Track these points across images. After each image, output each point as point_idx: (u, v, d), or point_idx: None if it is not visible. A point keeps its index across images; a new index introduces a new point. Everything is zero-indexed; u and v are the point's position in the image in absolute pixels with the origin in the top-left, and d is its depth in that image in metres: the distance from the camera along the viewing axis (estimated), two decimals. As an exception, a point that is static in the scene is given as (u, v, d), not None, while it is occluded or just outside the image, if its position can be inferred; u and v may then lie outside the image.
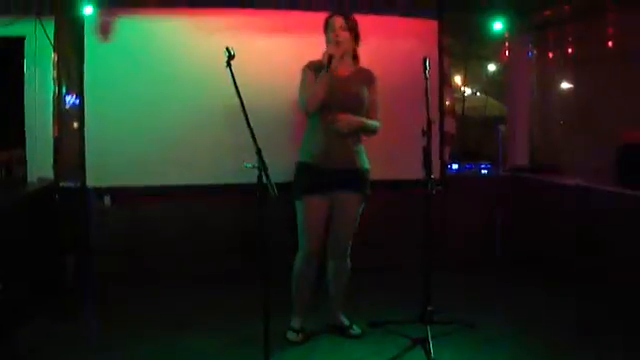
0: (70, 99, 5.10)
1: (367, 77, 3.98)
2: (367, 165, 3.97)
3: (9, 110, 4.97)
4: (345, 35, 3.84)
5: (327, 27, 3.89)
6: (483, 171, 5.70)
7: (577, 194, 5.02)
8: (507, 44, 6.05)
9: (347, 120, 3.79)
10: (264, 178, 3.05)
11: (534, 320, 4.28)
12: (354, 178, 3.92)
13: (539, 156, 5.96)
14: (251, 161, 3.11)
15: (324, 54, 3.78)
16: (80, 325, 4.19)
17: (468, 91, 7.01)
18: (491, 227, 5.40)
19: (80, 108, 4.81)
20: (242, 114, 3.13)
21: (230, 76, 3.18)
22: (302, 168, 3.90)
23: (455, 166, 5.68)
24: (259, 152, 3.06)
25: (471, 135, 6.39)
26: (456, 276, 4.97)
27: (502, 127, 6.17)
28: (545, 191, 5.42)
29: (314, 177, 3.83)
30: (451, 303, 4.34)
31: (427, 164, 3.83)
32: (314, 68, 3.84)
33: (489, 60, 6.51)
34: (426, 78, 3.92)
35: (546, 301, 4.68)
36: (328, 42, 3.87)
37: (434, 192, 3.81)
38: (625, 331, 4.00)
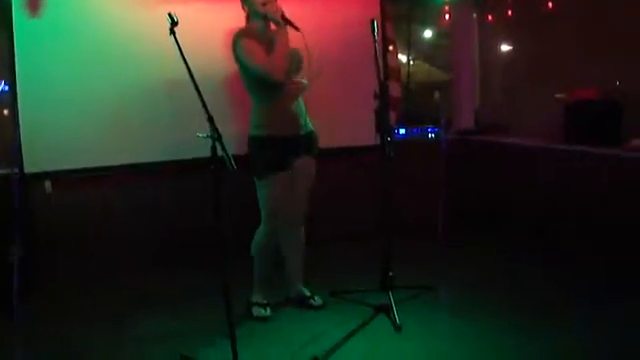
0: (0, 86, 4.81)
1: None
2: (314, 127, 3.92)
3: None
4: None
5: None
6: (430, 135, 5.67)
7: (520, 153, 5.08)
8: (448, 8, 6.02)
9: (298, 83, 3.73)
10: (219, 148, 2.92)
11: (491, 281, 4.32)
12: (310, 141, 3.86)
13: (484, 118, 5.98)
14: (200, 131, 2.98)
15: (270, 13, 3.61)
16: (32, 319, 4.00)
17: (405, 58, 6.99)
18: (441, 192, 5.38)
19: (12, 92, 4.54)
20: (190, 83, 2.98)
21: (175, 43, 3.01)
22: (263, 142, 3.70)
23: (402, 131, 5.65)
24: (211, 119, 2.92)
25: (414, 101, 6.37)
26: (410, 243, 4.93)
27: (436, 93, 6.19)
28: (491, 151, 5.46)
29: (279, 150, 3.69)
30: (408, 269, 4.28)
31: (382, 127, 3.76)
32: (251, 36, 3.64)
33: (430, 25, 6.47)
34: (375, 40, 3.84)
35: (499, 262, 4.73)
36: (255, 5, 3.64)
37: (391, 154, 3.74)
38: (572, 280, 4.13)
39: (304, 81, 3.76)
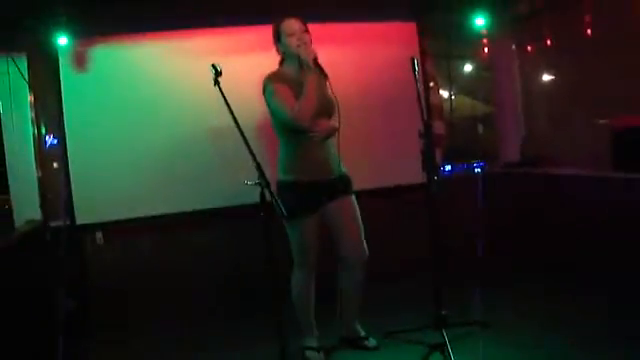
0: (49, 140, 4.94)
1: (324, 74, 3.69)
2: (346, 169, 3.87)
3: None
4: (309, 37, 3.64)
5: (282, 33, 3.64)
6: (476, 170, 5.63)
7: (573, 183, 4.98)
8: (486, 41, 5.99)
9: (326, 125, 3.66)
10: (267, 194, 2.94)
11: (548, 317, 4.17)
12: (341, 183, 3.80)
13: (530, 150, 5.90)
14: (247, 178, 3.01)
15: (303, 55, 3.55)
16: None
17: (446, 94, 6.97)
18: (491, 227, 5.31)
19: (61, 145, 4.68)
20: (236, 131, 3.02)
21: (220, 94, 3.08)
22: (289, 186, 3.66)
23: (448, 167, 5.62)
24: (259, 166, 2.95)
25: (458, 136, 6.32)
26: (461, 279, 4.86)
27: (480, 127, 6.15)
28: (540, 184, 5.37)
29: (304, 194, 3.64)
30: (460, 306, 4.24)
31: (428, 166, 3.74)
32: (280, 79, 3.63)
33: (470, 59, 6.44)
34: (416, 78, 3.83)
35: (552, 296, 4.59)
36: (289, 47, 3.62)
37: (436, 191, 3.71)
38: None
39: (334, 123, 3.70)
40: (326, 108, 3.67)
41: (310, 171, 3.67)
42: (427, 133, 3.70)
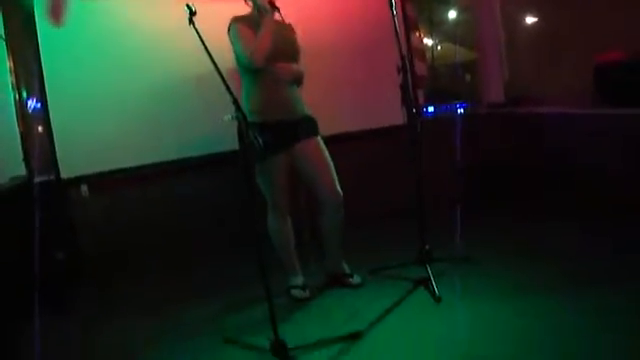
0: (32, 103, 4.90)
1: (291, 27, 3.89)
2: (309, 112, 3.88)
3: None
4: None
5: None
6: (459, 110, 5.63)
7: (557, 121, 5.00)
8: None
9: (289, 68, 3.72)
10: (244, 129, 2.95)
11: (531, 251, 4.19)
12: (307, 125, 3.81)
13: (513, 90, 5.91)
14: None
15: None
16: (80, 312, 4.15)
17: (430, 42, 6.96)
18: (475, 166, 5.34)
19: (43, 103, 4.65)
20: (218, 77, 2.99)
21: (195, 33, 3.05)
22: (254, 128, 3.51)
23: (431, 109, 5.63)
24: (235, 101, 2.95)
25: (441, 79, 6.33)
26: (445, 217, 4.91)
27: (465, 74, 6.14)
28: (522, 122, 5.39)
29: (273, 135, 3.63)
30: (443, 242, 4.29)
31: (407, 100, 3.74)
32: (244, 22, 3.68)
33: (452, 3, 6.42)
34: (393, 15, 3.81)
35: (536, 232, 4.58)
36: None
37: (420, 127, 3.73)
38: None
39: (298, 67, 3.77)
40: (286, 51, 3.74)
41: (274, 112, 3.70)
42: (404, 67, 3.68)
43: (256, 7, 3.72)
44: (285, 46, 3.73)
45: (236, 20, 3.69)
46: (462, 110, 5.62)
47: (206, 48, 3.03)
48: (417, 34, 5.51)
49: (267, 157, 3.65)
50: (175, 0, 4.21)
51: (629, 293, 3.26)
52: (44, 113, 4.63)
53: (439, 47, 7.06)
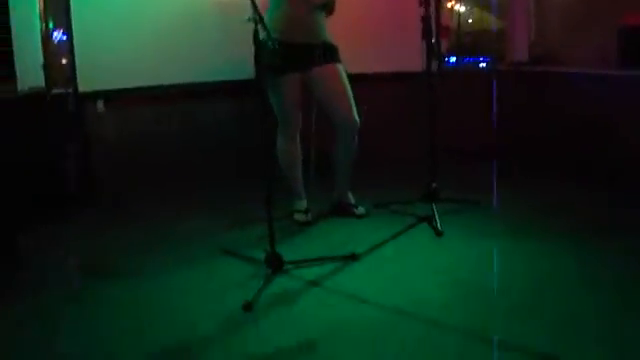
0: (58, 34, 4.89)
1: None
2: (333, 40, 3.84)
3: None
4: None
5: None
6: (482, 64, 5.57)
7: (574, 81, 4.94)
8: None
9: None
10: (260, 31, 2.93)
11: (546, 204, 4.15)
12: (327, 51, 3.77)
13: (538, 50, 5.83)
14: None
15: None
16: (85, 222, 4.20)
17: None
18: (491, 119, 5.30)
19: (66, 16, 4.65)
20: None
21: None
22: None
23: (453, 59, 5.58)
24: (253, 2, 2.90)
25: (466, 35, 6.25)
26: (458, 166, 4.91)
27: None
28: (544, 82, 5.32)
29: (284, 54, 3.56)
30: (454, 187, 4.25)
31: (427, 33, 3.71)
32: None
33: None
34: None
35: (551, 187, 4.55)
36: None
37: (438, 71, 3.69)
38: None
39: None
40: None
41: (294, 32, 3.66)
42: (426, 2, 3.65)
43: None
44: None
45: None
46: (485, 64, 5.55)
47: None
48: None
49: (280, 74, 3.65)
50: None
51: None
52: (66, 23, 4.63)
53: (465, 11, 6.95)
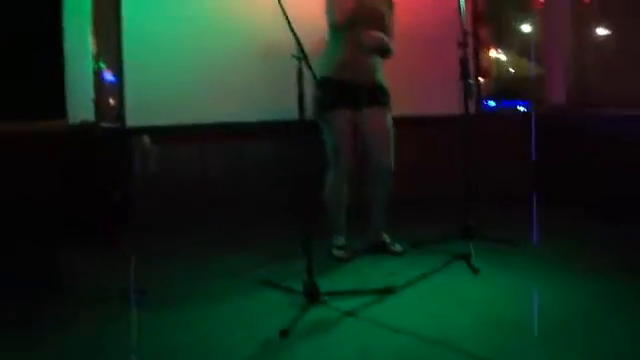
0: (108, 76, 5.12)
1: (389, 1, 4.02)
2: (386, 83, 3.98)
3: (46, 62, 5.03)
4: None
5: None
6: (520, 108, 5.63)
7: (613, 124, 4.96)
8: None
9: (374, 35, 3.80)
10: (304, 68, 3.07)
11: (579, 246, 4.15)
12: (377, 93, 3.92)
13: (577, 93, 5.86)
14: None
15: None
16: (125, 252, 4.26)
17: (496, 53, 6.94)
18: (529, 162, 5.32)
19: (118, 52, 4.87)
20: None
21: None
22: (326, 82, 3.77)
23: (491, 102, 5.64)
24: (298, 41, 3.04)
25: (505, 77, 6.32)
26: (495, 207, 4.94)
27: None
28: (582, 125, 5.35)
29: (336, 91, 3.80)
30: (491, 227, 4.30)
31: (465, 75, 3.81)
32: None
33: (521, 9, 6.39)
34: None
35: (592, 229, 4.55)
36: None
37: (472, 97, 3.78)
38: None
39: (382, 37, 3.84)
40: (372, 20, 3.83)
41: (346, 71, 3.83)
42: (465, 42, 3.76)
43: None
44: (372, 15, 3.84)
45: None
46: (523, 108, 5.60)
47: (281, 4, 3.09)
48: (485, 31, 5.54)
49: (331, 111, 3.81)
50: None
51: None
52: (118, 61, 4.87)
53: (505, 57, 7.04)
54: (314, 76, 3.07)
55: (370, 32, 3.80)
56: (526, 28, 6.45)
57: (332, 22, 3.82)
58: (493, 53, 6.31)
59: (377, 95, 3.93)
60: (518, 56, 7.30)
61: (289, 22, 3.05)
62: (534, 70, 6.45)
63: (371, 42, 3.81)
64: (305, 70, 3.08)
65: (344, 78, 3.82)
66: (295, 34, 3.06)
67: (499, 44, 6.56)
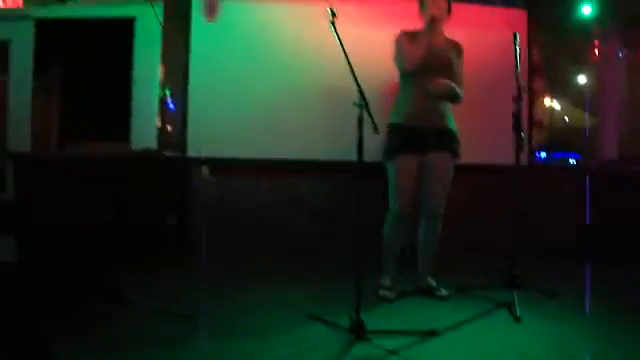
0: (170, 104, 5.38)
1: (458, 48, 4.15)
2: (456, 128, 4.10)
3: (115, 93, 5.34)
4: (443, 3, 4.02)
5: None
6: (571, 161, 5.68)
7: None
8: (596, 42, 6.03)
9: (442, 82, 3.93)
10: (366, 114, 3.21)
11: (627, 303, 4.13)
12: (445, 138, 4.05)
13: (629, 148, 5.89)
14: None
15: (425, 16, 3.98)
16: (180, 280, 4.50)
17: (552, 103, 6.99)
18: (578, 215, 5.36)
19: (184, 86, 5.13)
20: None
21: (334, 33, 3.28)
22: (392, 129, 4.03)
23: (543, 154, 5.70)
24: (360, 89, 3.21)
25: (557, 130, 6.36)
26: (543, 260, 4.99)
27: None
28: (635, 180, 5.36)
29: (405, 137, 3.98)
30: (536, 278, 4.36)
31: (517, 127, 3.91)
32: (409, 35, 4.02)
33: (577, 60, 6.45)
34: (516, 50, 4.04)
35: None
36: (423, 10, 4.03)
37: (523, 149, 3.86)
38: None
39: (449, 84, 3.97)
40: (438, 67, 3.98)
41: (413, 118, 4.00)
42: (519, 96, 3.87)
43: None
44: (440, 62, 4.00)
45: (402, 32, 4.07)
46: (574, 161, 5.65)
47: (343, 47, 3.27)
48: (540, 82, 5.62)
49: (395, 156, 3.97)
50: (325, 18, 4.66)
51: None
52: (183, 93, 5.13)
53: (559, 107, 7.08)
54: (374, 126, 3.17)
55: (438, 80, 3.93)
56: (581, 79, 6.49)
57: (402, 69, 4.01)
58: (547, 102, 6.37)
59: (445, 140, 4.06)
60: (572, 107, 7.34)
61: (352, 70, 3.23)
62: (588, 121, 6.49)
63: (439, 90, 3.95)
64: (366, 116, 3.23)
65: (414, 126, 3.98)
66: (357, 82, 3.23)
67: (554, 94, 6.62)
